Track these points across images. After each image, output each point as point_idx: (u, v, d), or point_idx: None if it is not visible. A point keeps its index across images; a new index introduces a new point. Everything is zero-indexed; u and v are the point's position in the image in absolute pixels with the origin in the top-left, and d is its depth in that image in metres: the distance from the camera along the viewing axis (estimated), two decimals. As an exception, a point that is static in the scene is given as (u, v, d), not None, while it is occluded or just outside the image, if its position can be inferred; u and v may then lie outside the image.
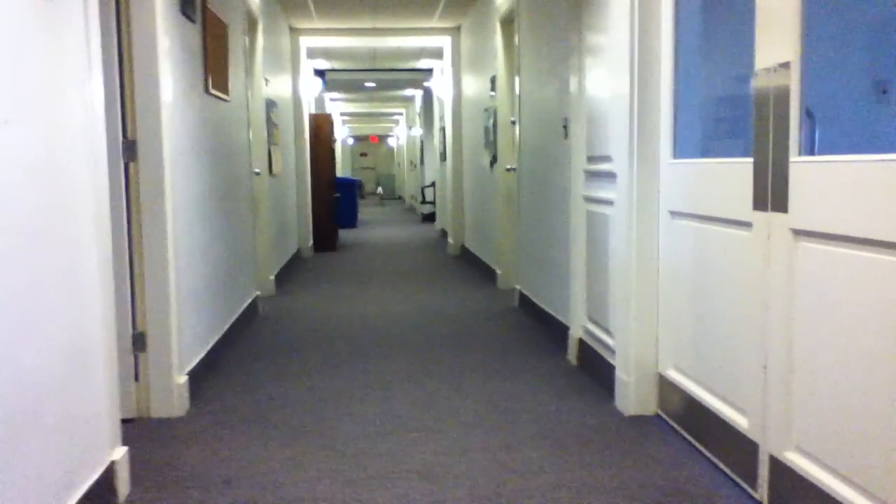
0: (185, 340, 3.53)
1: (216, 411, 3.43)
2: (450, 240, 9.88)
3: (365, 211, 19.64)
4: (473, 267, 8.32)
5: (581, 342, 4.05)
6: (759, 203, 2.33)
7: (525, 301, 5.63)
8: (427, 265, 8.67)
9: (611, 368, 3.49)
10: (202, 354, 3.90)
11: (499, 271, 6.89)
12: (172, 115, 3.43)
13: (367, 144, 33.26)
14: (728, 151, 2.78)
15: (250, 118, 5.80)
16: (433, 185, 14.30)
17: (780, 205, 2.21)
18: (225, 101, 4.69)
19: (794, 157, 2.14)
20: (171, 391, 3.35)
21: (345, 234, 12.59)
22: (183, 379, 3.44)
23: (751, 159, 2.37)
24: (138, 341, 3.32)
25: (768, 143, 2.25)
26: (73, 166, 2.30)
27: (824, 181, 2.03)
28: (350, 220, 13.65)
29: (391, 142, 31.88)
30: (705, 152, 3.04)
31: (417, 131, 18.59)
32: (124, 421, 3.09)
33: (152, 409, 3.34)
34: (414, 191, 19.99)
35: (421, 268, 8.42)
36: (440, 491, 2.53)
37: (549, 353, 4.38)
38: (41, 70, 2.09)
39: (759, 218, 2.34)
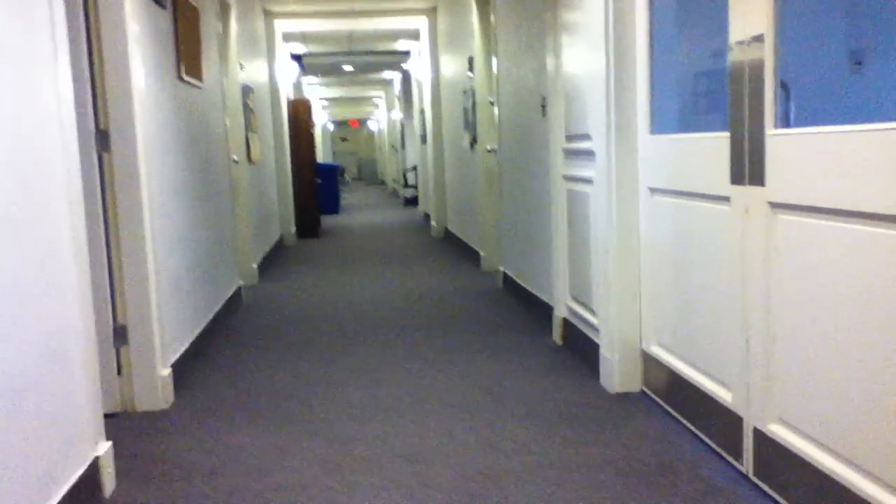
0: (167, 332, 3.50)
1: (201, 402, 3.41)
2: (433, 223, 9.86)
3: (347, 196, 19.55)
4: (457, 250, 8.31)
5: (565, 322, 4.05)
6: (737, 177, 2.33)
7: (509, 282, 5.63)
8: (411, 249, 8.65)
9: (595, 347, 3.50)
10: (186, 345, 3.87)
11: (482, 253, 6.88)
12: (145, 103, 3.38)
13: (348, 129, 33.06)
14: (706, 126, 2.78)
15: (226, 104, 5.74)
16: (415, 168, 14.25)
17: (758, 178, 2.21)
18: (199, 87, 4.63)
19: (770, 130, 2.14)
20: (155, 384, 3.33)
21: (327, 220, 12.53)
22: (166, 371, 3.42)
23: (727, 133, 2.37)
24: (119, 335, 3.29)
25: (744, 117, 2.25)
26: (44, 157, 2.26)
27: (800, 154, 2.03)
28: (332, 206, 13.59)
29: (371, 125, 31.71)
30: (683, 128, 3.04)
31: (397, 114, 18.49)
32: (108, 416, 3.08)
33: (136, 403, 3.32)
34: (396, 174, 19.92)
35: (405, 252, 8.40)
36: (427, 473, 2.54)
37: (533, 334, 4.38)
38: (3, 58, 2.05)
39: (737, 192, 2.34)
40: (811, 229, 2.00)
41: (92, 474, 2.41)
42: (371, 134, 32.26)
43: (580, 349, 3.79)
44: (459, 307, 5.23)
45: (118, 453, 2.76)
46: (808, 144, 1.99)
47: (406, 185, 16.14)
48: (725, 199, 2.42)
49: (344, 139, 33.12)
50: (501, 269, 5.89)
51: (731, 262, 2.42)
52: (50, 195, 2.29)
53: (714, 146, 2.48)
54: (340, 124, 32.52)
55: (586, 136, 3.48)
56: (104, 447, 2.53)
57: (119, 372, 3.31)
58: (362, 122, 32.57)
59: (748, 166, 2.26)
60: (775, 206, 2.15)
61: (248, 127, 6.89)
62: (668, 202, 2.90)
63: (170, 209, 3.79)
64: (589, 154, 3.46)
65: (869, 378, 1.82)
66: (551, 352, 3.99)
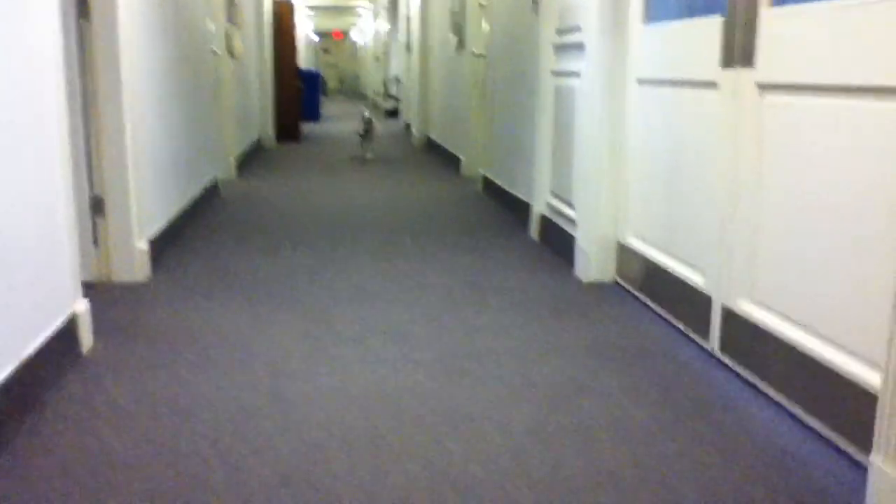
0: (145, 207, 3.48)
1: (180, 278, 3.42)
2: (414, 132, 9.77)
3: (327, 106, 19.25)
4: (438, 157, 8.28)
5: (543, 218, 4.08)
6: (727, 60, 2.32)
7: (489, 185, 5.64)
8: (392, 156, 8.59)
9: (571, 240, 3.54)
10: (163, 224, 3.86)
11: (463, 159, 6.86)
12: (126, -30, 3.27)
13: (331, 41, 32.30)
14: (701, 12, 2.74)
15: (208, -9, 5.56)
16: (397, 78, 14.02)
17: (747, 59, 2.20)
18: (181, -34, 4.48)
19: (765, 9, 2.12)
20: (132, 256, 3.32)
21: (308, 127, 12.36)
22: (144, 245, 3.41)
23: (721, 17, 2.35)
24: (96, 205, 3.27)
25: (740, -4, 2.23)
26: (27, 26, 2.19)
27: (792, 31, 2.02)
28: (313, 113, 13.37)
29: (355, 37, 31.00)
30: (678, 16, 3.00)
31: (383, 25, 18.07)
32: (86, 285, 3.08)
33: (113, 274, 3.32)
34: (378, 86, 19.59)
35: (386, 158, 8.34)
36: (410, 350, 2.58)
37: (512, 231, 4.42)
38: None
39: (726, 75, 2.33)
40: (797, 108, 2.01)
41: (70, 329, 2.43)
42: (354, 47, 31.57)
43: (557, 244, 3.83)
44: (440, 208, 5.24)
45: (96, 318, 2.78)
46: (800, 21, 1.98)
47: (388, 95, 15.90)
48: (714, 84, 2.42)
49: (326, 51, 32.39)
50: (482, 172, 5.88)
51: (717, 148, 2.43)
52: (32, 52, 2.22)
53: (706, 30, 2.46)
54: (324, 36, 31.76)
55: (577, 28, 3.44)
56: (82, 304, 2.54)
57: (96, 243, 3.30)
58: (346, 35, 31.82)
59: (739, 48, 2.25)
60: (763, 86, 2.15)
61: (231, 20, 6.70)
62: (657, 92, 2.89)
63: (150, 84, 3.71)
64: (579, 47, 3.42)
65: (846, 254, 1.86)
66: (529, 247, 4.04)
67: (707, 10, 2.58)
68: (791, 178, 2.04)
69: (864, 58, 1.75)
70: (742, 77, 2.24)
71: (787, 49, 2.04)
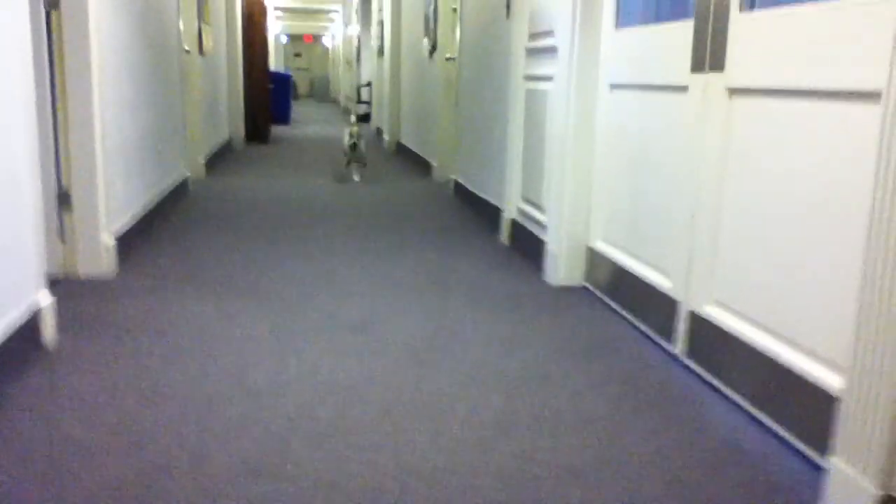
0: (112, 202, 3.44)
1: (147, 273, 3.38)
2: (385, 136, 9.77)
3: (298, 110, 19.17)
4: (409, 161, 8.28)
5: (513, 223, 4.11)
6: (697, 64, 2.36)
7: (460, 189, 5.65)
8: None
9: (541, 245, 3.57)
10: (131, 220, 3.81)
11: (434, 163, 6.87)
12: (98, -38, 3.24)
13: (302, 44, 32.21)
14: (670, 18, 2.79)
15: (180, -12, 5.52)
16: (369, 84, 14.01)
17: (718, 64, 2.25)
18: (154, -39, 4.44)
19: (735, 14, 2.17)
20: (99, 251, 3.28)
21: (277, 130, 12.30)
22: (111, 239, 3.37)
23: (692, 22, 2.39)
24: (63, 200, 3.22)
25: (710, 1, 2.27)
26: (-9, -9, 2.17)
27: (762, 36, 2.06)
28: (283, 116, 13.32)
29: (326, 41, 30.93)
30: (649, 21, 3.04)
31: (355, 29, 18.04)
32: (52, 281, 3.03)
33: (80, 269, 3.27)
34: (350, 91, 19.56)
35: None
36: (375, 342, 2.58)
37: (482, 235, 4.44)
38: None
39: (696, 80, 2.38)
40: (766, 112, 2.06)
41: (33, 322, 2.39)
42: (325, 51, 31.50)
43: (527, 248, 3.86)
44: (410, 211, 5.25)
45: (61, 313, 2.74)
46: (769, 25, 2.03)
47: (359, 100, 15.89)
48: (684, 88, 2.46)
49: (298, 55, 32.28)
50: (453, 177, 5.90)
51: (685, 153, 2.47)
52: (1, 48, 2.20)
53: (677, 35, 2.51)
54: (294, 39, 31.65)
55: (550, 33, 3.47)
56: (47, 299, 2.50)
57: (62, 238, 3.25)
58: (317, 39, 31.75)
59: (709, 53, 2.29)
60: (733, 91, 2.19)
61: (201, 18, 6.66)
62: (628, 97, 2.94)
63: (120, 78, 3.67)
64: (551, 51, 3.46)
65: (816, 258, 1.90)
66: (498, 251, 4.06)
67: (677, 15, 2.63)
68: (757, 182, 2.09)
69: (834, 62, 1.80)
70: (712, 81, 2.28)
71: (758, 53, 2.08)
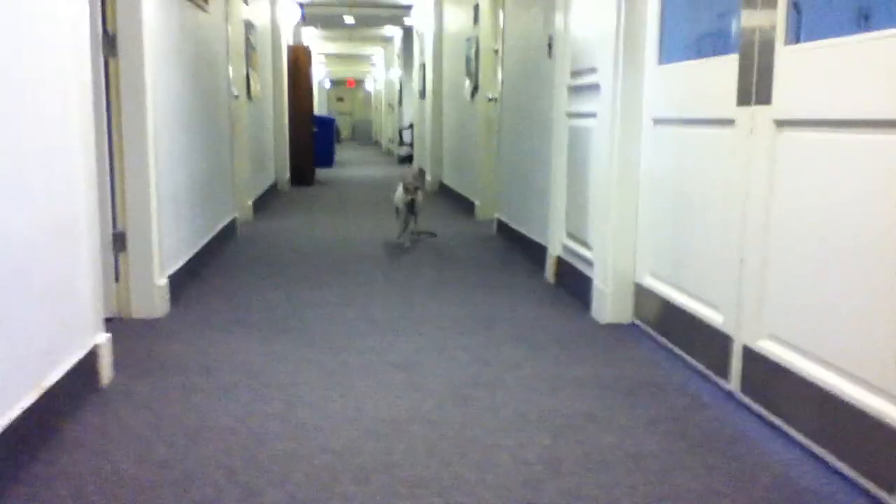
0: (165, 243, 3.52)
1: (197, 314, 3.44)
2: (427, 177, 9.85)
3: (341, 153, 19.47)
4: (452, 201, 8.33)
5: (559, 260, 4.09)
6: (744, 97, 2.35)
7: (503, 228, 5.66)
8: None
9: (588, 282, 3.54)
10: (183, 261, 3.89)
11: (477, 203, 6.91)
12: (153, 12, 3.36)
13: (344, 89, 32.84)
14: (716, 52, 2.79)
15: (229, 35, 5.69)
16: (411, 126, 14.19)
17: (765, 97, 2.23)
18: (204, 10, 4.60)
19: (780, 47, 2.16)
20: (152, 292, 3.35)
21: (322, 173, 12.48)
22: (164, 280, 3.44)
23: (736, 56, 2.39)
24: (118, 241, 3.30)
25: (755, 35, 2.27)
26: (58, 56, 2.26)
27: (809, 68, 2.05)
28: (327, 159, 13.51)
29: (368, 86, 31.49)
30: (692, 56, 3.05)
31: (396, 73, 18.36)
32: (106, 320, 3.10)
33: (133, 310, 3.34)
34: (392, 134, 19.82)
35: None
36: (419, 380, 2.58)
37: (526, 273, 4.43)
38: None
39: (743, 113, 2.36)
40: (814, 144, 2.04)
41: (91, 361, 2.44)
42: (367, 96, 32.05)
43: (573, 285, 3.84)
44: (454, 250, 5.26)
45: (114, 352, 2.79)
46: (817, 57, 2.02)
47: (402, 142, 16.08)
48: (730, 121, 2.45)
49: (340, 99, 32.90)
50: (496, 216, 5.92)
51: (731, 185, 2.45)
52: (60, 83, 2.29)
53: (722, 69, 2.50)
54: (337, 84, 32.29)
55: (593, 70, 3.49)
56: (103, 337, 2.56)
57: (117, 278, 3.33)
58: (359, 83, 32.34)
59: (756, 85, 2.28)
60: (781, 123, 2.17)
61: (249, 63, 6.84)
62: (672, 131, 2.93)
63: (172, 123, 3.79)
64: (594, 88, 3.48)
65: (865, 288, 1.86)
66: (544, 288, 4.04)
67: (720, 50, 2.63)
68: (807, 214, 2.05)
69: (884, 91, 1.78)
70: (760, 114, 2.27)
71: (805, 85, 2.07)
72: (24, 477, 1.86)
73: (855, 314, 1.89)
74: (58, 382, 2.18)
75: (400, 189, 5.06)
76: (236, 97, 6.24)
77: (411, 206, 5.00)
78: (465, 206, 7.53)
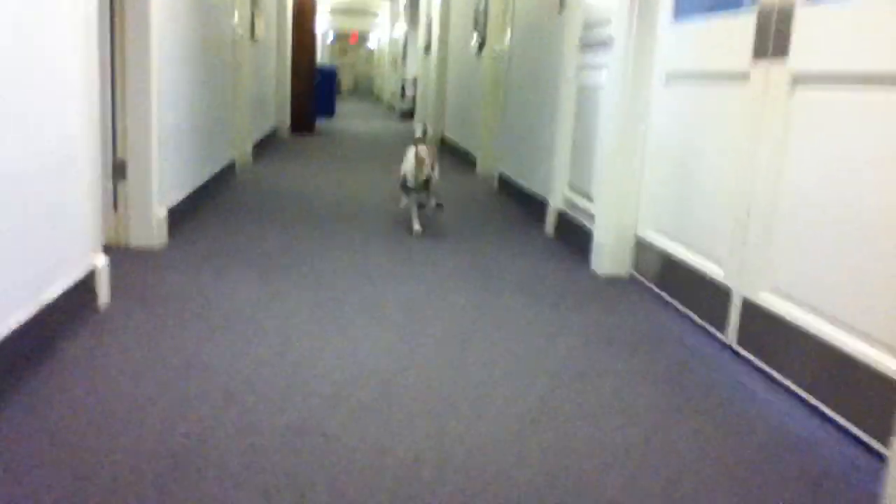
0: (165, 175, 3.49)
1: (196, 247, 3.42)
2: (429, 131, 9.78)
3: (342, 105, 19.31)
4: (453, 155, 8.28)
5: (559, 214, 4.08)
6: (760, 50, 2.32)
7: (505, 183, 5.64)
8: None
9: (588, 235, 3.54)
10: (182, 195, 3.87)
11: (479, 157, 6.87)
12: (161, -62, 3.29)
13: (347, 44, 32.47)
14: (730, 7, 2.75)
15: (236, -27, 5.59)
16: (414, 80, 14.06)
17: (781, 49, 2.21)
18: (213, -56, 4.51)
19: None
20: (151, 222, 3.33)
21: (322, 122, 12.39)
22: (163, 211, 3.42)
23: (754, 11, 2.35)
24: (118, 170, 3.28)
25: (776, -14, 2.23)
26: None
27: (829, 20, 2.02)
28: (328, 109, 13.40)
29: (371, 44, 31.14)
30: (707, 12, 3.01)
31: (401, 27, 18.14)
32: (103, 248, 3.08)
33: (131, 238, 3.32)
34: (395, 87, 19.64)
35: (400, 154, 8.35)
36: (419, 322, 2.58)
37: (527, 226, 4.42)
38: None
39: (759, 66, 2.33)
40: (829, 99, 2.01)
41: (89, 281, 2.43)
42: (370, 53, 31.70)
43: (573, 238, 3.83)
44: (453, 203, 5.24)
45: (112, 278, 2.78)
46: (838, 8, 1.99)
47: (403, 95, 15.93)
48: (745, 75, 2.42)
49: (343, 52, 32.54)
50: (498, 170, 5.89)
51: (742, 142, 2.43)
52: (64, 18, 2.24)
53: (738, 24, 2.47)
54: (340, 38, 31.91)
55: (607, 21, 3.44)
56: (102, 260, 2.55)
57: (115, 207, 3.30)
58: (362, 38, 31.96)
59: (773, 38, 2.25)
60: (797, 77, 2.15)
61: (255, 4, 6.73)
62: (684, 87, 2.90)
63: (175, 57, 3.73)
64: (605, 43, 3.43)
65: (875, 244, 1.86)
66: (544, 241, 4.04)
67: (736, 4, 2.59)
68: (818, 166, 2.04)
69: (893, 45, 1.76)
70: (775, 68, 2.24)
71: (823, 38, 2.04)
72: (23, 388, 1.86)
73: (859, 269, 1.88)
74: (56, 299, 2.17)
75: (410, 157, 4.04)
76: (240, 36, 6.14)
77: (425, 185, 3.99)
78: (466, 160, 7.49)
